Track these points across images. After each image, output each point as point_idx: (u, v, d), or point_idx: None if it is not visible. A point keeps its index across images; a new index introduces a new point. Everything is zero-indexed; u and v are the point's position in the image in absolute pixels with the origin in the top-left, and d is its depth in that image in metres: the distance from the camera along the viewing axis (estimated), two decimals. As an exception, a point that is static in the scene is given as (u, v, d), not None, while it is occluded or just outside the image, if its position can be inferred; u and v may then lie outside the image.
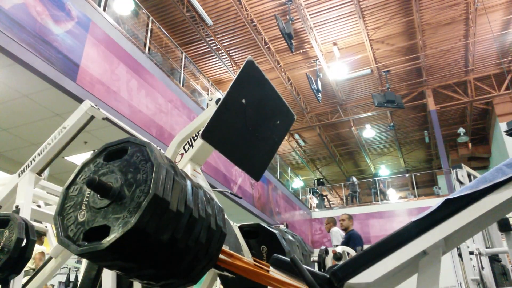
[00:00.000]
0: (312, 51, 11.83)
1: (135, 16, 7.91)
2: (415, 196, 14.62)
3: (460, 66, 12.84)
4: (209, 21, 10.53)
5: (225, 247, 1.25)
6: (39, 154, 2.27)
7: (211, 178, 7.81)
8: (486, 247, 3.39)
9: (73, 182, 0.99)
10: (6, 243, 1.56)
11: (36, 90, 4.81)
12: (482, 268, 3.24)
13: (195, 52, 11.95)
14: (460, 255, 3.74)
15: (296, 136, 16.73)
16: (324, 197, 16.81)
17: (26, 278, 2.03)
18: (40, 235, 4.19)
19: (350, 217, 5.27)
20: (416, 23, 10.79)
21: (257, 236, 1.66)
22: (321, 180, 18.51)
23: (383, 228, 12.97)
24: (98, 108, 2.26)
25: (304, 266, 1.02)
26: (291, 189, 14.19)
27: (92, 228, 0.88)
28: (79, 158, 6.22)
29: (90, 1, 5.43)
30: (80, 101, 4.65)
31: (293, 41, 10.58)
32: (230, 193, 2.38)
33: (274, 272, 1.12)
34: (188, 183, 0.98)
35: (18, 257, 1.55)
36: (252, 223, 1.71)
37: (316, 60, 12.12)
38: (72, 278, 7.93)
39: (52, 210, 2.74)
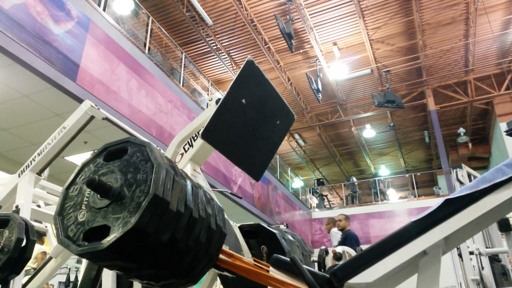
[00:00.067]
0: (312, 51, 11.83)
1: (135, 16, 7.91)
2: (415, 196, 14.62)
3: (460, 66, 12.84)
4: (209, 21, 10.53)
5: (225, 247, 1.25)
6: (39, 154, 2.27)
7: (211, 178, 7.81)
8: (486, 247, 3.39)
9: (73, 182, 0.99)
10: (6, 243, 1.56)
11: (36, 90, 4.81)
12: (482, 268, 3.24)
13: (195, 52, 11.95)
14: (460, 255, 3.75)
15: (296, 136, 16.74)
16: (324, 197, 16.82)
17: (27, 278, 2.03)
18: (40, 235, 4.19)
19: (347, 218, 5.35)
20: (416, 23, 10.79)
21: (257, 236, 1.66)
22: (321, 180, 18.51)
23: (383, 228, 12.97)
24: (98, 108, 2.26)
25: (304, 266, 1.02)
26: (291, 189, 14.19)
27: (92, 228, 0.88)
28: (79, 158, 6.22)
29: (90, 1, 5.43)
30: (80, 101, 4.65)
31: (293, 41, 10.58)
32: (230, 193, 2.38)
33: (274, 272, 1.12)
34: (188, 183, 0.98)
35: (18, 257, 1.55)
36: (252, 223, 1.71)
37: (316, 60, 12.12)
38: (72, 278, 7.92)
39: (52, 210, 2.74)
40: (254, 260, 1.35)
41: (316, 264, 3.75)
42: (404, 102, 12.90)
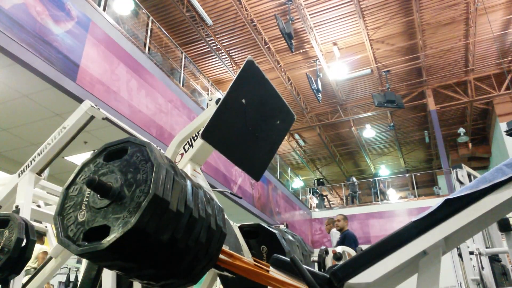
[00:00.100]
0: (312, 51, 11.83)
1: (135, 16, 7.91)
2: (415, 196, 14.62)
3: (460, 66, 12.84)
4: (209, 21, 10.53)
5: (225, 247, 1.25)
6: (39, 154, 2.27)
7: (211, 178, 7.81)
8: (486, 247, 3.39)
9: (73, 182, 0.99)
10: (6, 243, 1.56)
11: (36, 90, 4.81)
12: (482, 268, 3.24)
13: (195, 52, 11.95)
14: (460, 255, 3.75)
15: (296, 136, 16.74)
16: (324, 197, 16.82)
17: (28, 277, 2.03)
18: (41, 235, 4.19)
19: (345, 218, 5.38)
20: (416, 23, 10.79)
21: (257, 236, 1.66)
22: (321, 180, 18.51)
23: (383, 228, 12.97)
24: (98, 108, 2.26)
25: (304, 266, 1.02)
26: (291, 189, 14.19)
27: (92, 228, 0.88)
28: (79, 158, 6.22)
29: (90, 1, 5.43)
30: (80, 101, 4.65)
31: (293, 41, 10.58)
32: (230, 193, 2.38)
33: (274, 272, 1.12)
34: (188, 183, 0.98)
35: (18, 257, 1.55)
36: (252, 223, 1.71)
37: (316, 60, 12.12)
38: (72, 278, 7.92)
39: (52, 210, 2.74)
40: (254, 260, 1.35)
41: (316, 264, 3.75)
42: (404, 102, 12.90)
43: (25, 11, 4.39)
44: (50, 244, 3.42)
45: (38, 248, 4.93)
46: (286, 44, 10.58)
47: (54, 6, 4.80)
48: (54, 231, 2.56)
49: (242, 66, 1.44)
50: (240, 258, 1.22)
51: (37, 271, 1.97)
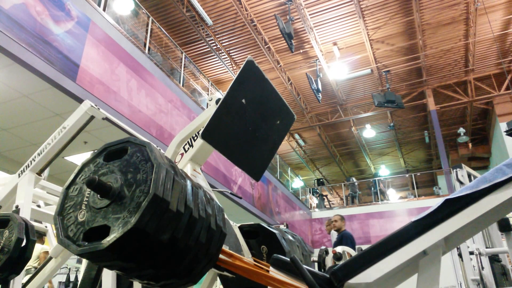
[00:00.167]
0: (312, 51, 11.83)
1: (135, 16, 7.91)
2: (415, 196, 14.62)
3: (460, 66, 12.84)
4: (209, 21, 10.53)
5: (225, 247, 1.25)
6: (39, 154, 2.27)
7: (211, 178, 7.81)
8: (486, 247, 3.39)
9: (73, 182, 0.99)
10: (6, 243, 1.56)
11: (36, 90, 4.81)
12: (482, 268, 3.24)
13: (195, 52, 11.95)
14: (460, 255, 3.75)
15: (296, 136, 16.74)
16: (324, 197, 16.82)
17: (28, 277, 2.04)
18: (41, 235, 4.20)
19: (342, 218, 5.39)
20: (416, 23, 10.79)
21: (257, 236, 1.66)
22: (321, 180, 18.51)
23: (383, 228, 12.97)
24: (98, 108, 2.26)
25: (304, 266, 1.02)
26: (291, 189, 14.19)
27: (92, 228, 0.88)
28: (79, 158, 6.22)
29: (90, 1, 5.43)
30: (80, 101, 4.66)
31: (293, 41, 10.58)
32: (230, 193, 2.38)
33: (274, 272, 1.12)
34: (188, 183, 0.98)
35: (18, 257, 1.55)
36: (252, 223, 1.71)
37: (316, 60, 12.12)
38: (72, 278, 7.93)
39: (52, 210, 2.75)
40: (254, 260, 1.35)
41: (316, 264, 3.75)
42: (404, 102, 12.91)
43: (25, 11, 4.39)
44: (50, 244, 3.42)
45: (39, 248, 4.94)
46: (286, 44, 10.58)
47: (54, 6, 4.80)
48: (54, 231, 2.56)
49: (242, 66, 1.44)
50: (240, 258, 1.22)
51: (37, 271, 1.97)
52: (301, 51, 11.93)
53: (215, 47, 11.55)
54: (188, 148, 1.63)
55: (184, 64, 8.77)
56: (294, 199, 13.57)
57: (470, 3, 10.19)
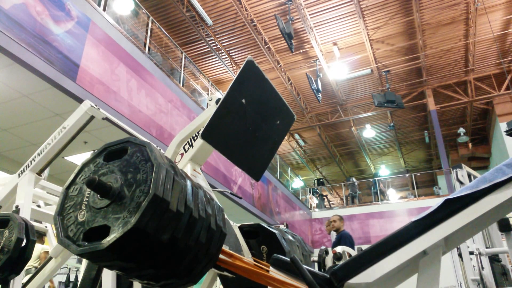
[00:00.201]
0: (312, 51, 11.83)
1: (135, 16, 7.91)
2: (415, 196, 14.62)
3: (460, 66, 12.85)
4: (209, 21, 10.53)
5: (225, 247, 1.25)
6: (39, 154, 2.27)
7: (211, 178, 7.81)
8: (486, 247, 3.39)
9: (73, 182, 0.99)
10: (6, 243, 1.56)
11: (36, 90, 4.81)
12: (482, 268, 3.24)
13: (195, 52, 11.95)
14: (460, 255, 3.75)
15: (296, 136, 16.74)
16: (324, 197, 16.82)
17: (28, 277, 2.04)
18: (41, 235, 4.20)
19: (341, 218, 5.40)
20: (416, 23, 10.79)
21: (257, 236, 1.66)
22: (321, 180, 18.51)
23: (383, 228, 12.97)
24: (98, 108, 2.26)
25: (304, 266, 1.02)
26: (291, 189, 14.19)
27: (92, 228, 0.88)
28: (79, 158, 6.22)
29: (90, 1, 5.43)
30: (80, 101, 4.66)
31: (293, 41, 10.58)
32: (230, 193, 2.38)
33: (274, 272, 1.12)
34: (188, 183, 0.98)
35: (18, 257, 1.55)
36: (252, 223, 1.71)
37: (316, 60, 12.12)
38: (72, 278, 7.93)
39: (52, 210, 2.74)
40: (254, 260, 1.35)
41: (316, 264, 3.75)
42: (404, 102, 12.90)
43: (25, 11, 4.39)
44: (50, 244, 3.42)
45: (40, 248, 4.94)
46: (286, 44, 10.58)
47: (54, 6, 4.80)
48: (54, 231, 2.56)
49: (242, 66, 1.44)
50: (240, 258, 1.22)
51: (37, 271, 1.97)
52: (301, 51, 11.93)
53: (215, 47, 11.55)
54: (188, 148, 1.63)
55: (184, 64, 8.77)
56: (294, 199, 13.57)
57: (470, 3, 10.19)
